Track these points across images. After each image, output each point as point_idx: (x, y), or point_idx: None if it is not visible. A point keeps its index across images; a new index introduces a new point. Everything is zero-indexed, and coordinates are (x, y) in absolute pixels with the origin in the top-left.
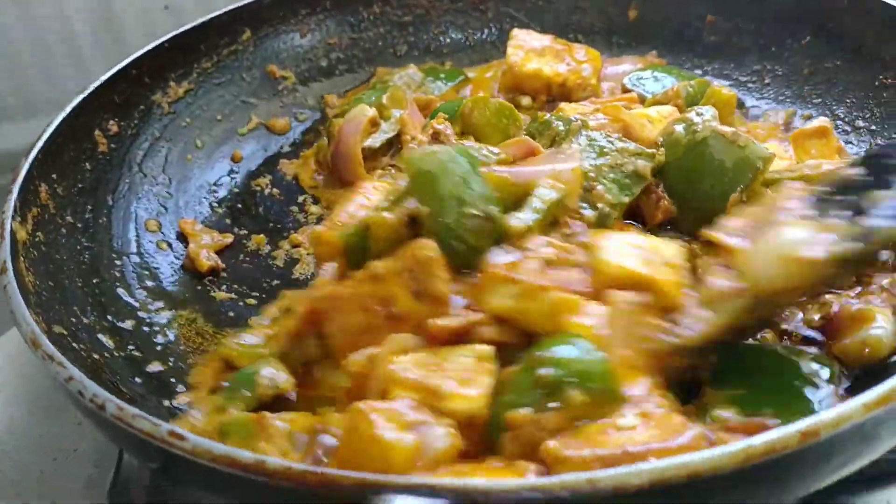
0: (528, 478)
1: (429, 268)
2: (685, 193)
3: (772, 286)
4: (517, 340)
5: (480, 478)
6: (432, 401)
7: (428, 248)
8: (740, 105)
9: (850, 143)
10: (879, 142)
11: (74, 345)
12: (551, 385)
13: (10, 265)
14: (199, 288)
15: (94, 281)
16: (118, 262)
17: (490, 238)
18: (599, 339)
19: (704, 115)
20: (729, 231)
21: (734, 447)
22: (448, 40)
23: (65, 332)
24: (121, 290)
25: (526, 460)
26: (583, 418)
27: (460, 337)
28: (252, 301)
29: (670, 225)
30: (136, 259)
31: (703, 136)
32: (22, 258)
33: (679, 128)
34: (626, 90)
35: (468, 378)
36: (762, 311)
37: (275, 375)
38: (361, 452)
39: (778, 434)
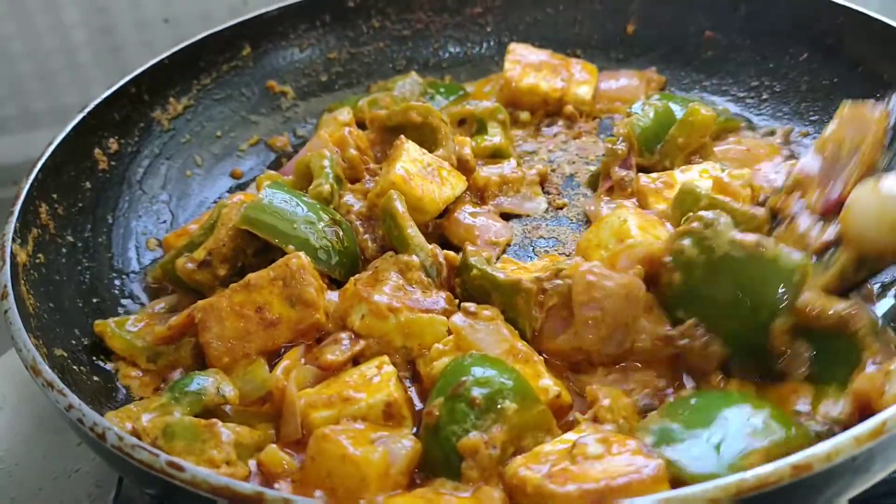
0: None
1: (301, 276)
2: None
3: (875, 246)
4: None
5: None
6: (346, 408)
7: (299, 258)
8: (749, 126)
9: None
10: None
11: (75, 367)
12: (486, 403)
13: (10, 290)
14: None
15: (95, 301)
16: (118, 282)
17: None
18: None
19: (717, 222)
20: None
21: (727, 480)
22: (447, 55)
23: (65, 355)
24: (122, 310)
25: (487, 484)
26: (521, 431)
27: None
28: None
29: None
30: (136, 277)
31: (723, 252)
32: (23, 281)
33: (687, 242)
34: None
35: (370, 379)
36: (869, 266)
37: (223, 386)
38: (333, 473)
39: (771, 468)
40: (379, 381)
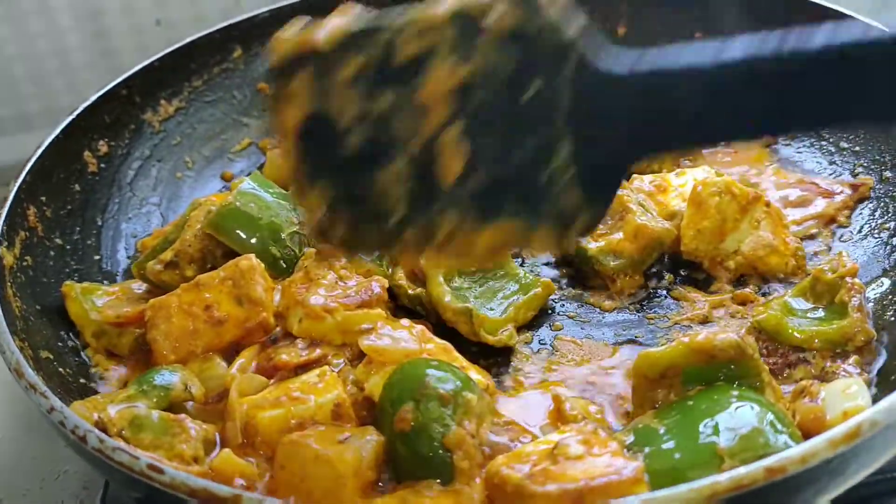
0: None
1: (250, 275)
2: None
3: None
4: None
5: None
6: (296, 407)
7: (248, 259)
8: None
9: (835, 163)
10: (863, 163)
11: (61, 369)
12: (453, 398)
13: None
14: None
15: None
16: (107, 284)
17: None
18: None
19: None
20: None
21: (702, 483)
22: None
23: (51, 357)
24: None
25: (479, 477)
26: (481, 418)
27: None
28: None
29: None
30: (124, 280)
31: None
32: (9, 283)
33: None
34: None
35: (314, 384)
36: None
37: (191, 383)
38: (307, 476)
39: (745, 470)
40: (323, 386)
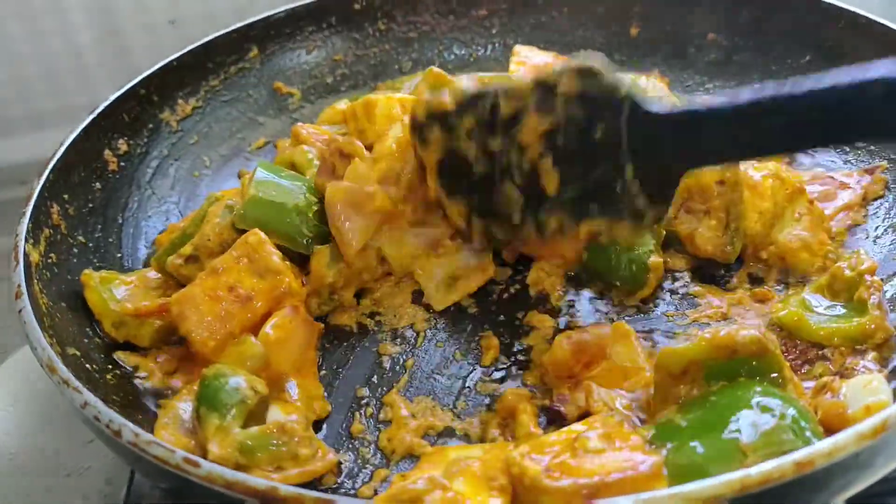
0: None
1: (261, 248)
2: None
3: None
4: None
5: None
6: None
7: (255, 234)
8: None
9: (850, 162)
10: (878, 162)
11: (87, 366)
12: None
13: (24, 289)
14: None
15: None
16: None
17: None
18: None
19: None
20: None
21: (732, 476)
22: (452, 56)
23: (78, 353)
24: None
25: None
26: None
27: None
28: None
29: None
30: None
31: None
32: (36, 281)
33: None
34: None
35: None
36: None
37: (253, 383)
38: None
39: (773, 465)
40: None
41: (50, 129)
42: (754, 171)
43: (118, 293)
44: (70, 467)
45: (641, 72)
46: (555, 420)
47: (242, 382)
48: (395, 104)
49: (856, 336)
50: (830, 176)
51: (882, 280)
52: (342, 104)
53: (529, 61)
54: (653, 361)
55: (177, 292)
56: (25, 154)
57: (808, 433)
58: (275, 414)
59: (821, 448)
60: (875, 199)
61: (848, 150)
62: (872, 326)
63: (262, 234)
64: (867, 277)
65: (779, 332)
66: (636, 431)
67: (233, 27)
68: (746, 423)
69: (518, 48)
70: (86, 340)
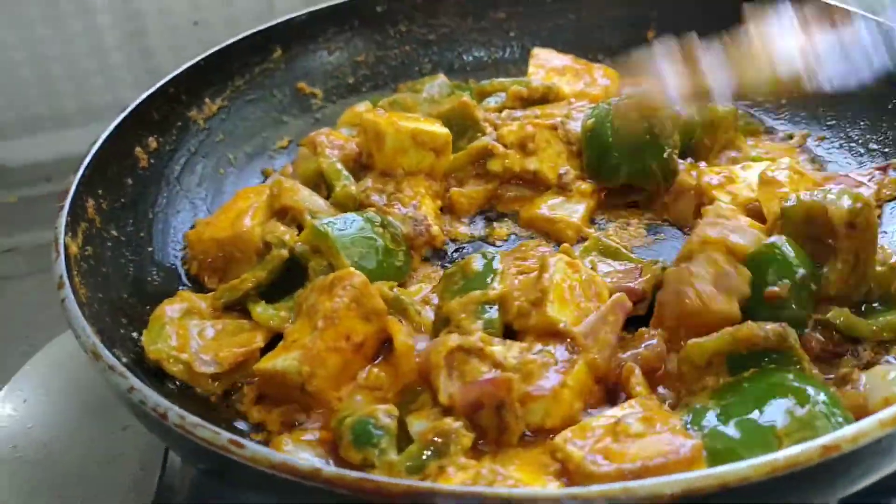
0: (572, 488)
1: (366, 289)
2: None
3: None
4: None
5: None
6: None
7: (358, 275)
8: (767, 129)
9: (864, 164)
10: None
11: (124, 358)
12: None
13: (66, 279)
14: None
15: (139, 293)
16: (158, 275)
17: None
18: None
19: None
20: None
21: (762, 460)
22: (471, 59)
23: (115, 344)
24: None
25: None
26: None
27: None
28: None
29: None
30: (175, 271)
31: None
32: (75, 272)
33: None
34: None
35: None
36: None
37: (386, 416)
38: None
39: (800, 448)
40: None
41: (74, 127)
42: (771, 170)
43: (192, 339)
44: (103, 455)
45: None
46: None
47: (382, 419)
48: (405, 138)
49: None
50: (845, 175)
51: None
52: (362, 106)
53: (548, 64)
54: None
55: (295, 353)
56: (50, 152)
57: (840, 418)
58: (417, 426)
59: (846, 433)
60: (889, 201)
61: (863, 152)
62: None
63: (360, 273)
64: None
65: (821, 330)
66: (673, 414)
67: (257, 29)
68: (780, 409)
69: (536, 51)
70: (122, 331)
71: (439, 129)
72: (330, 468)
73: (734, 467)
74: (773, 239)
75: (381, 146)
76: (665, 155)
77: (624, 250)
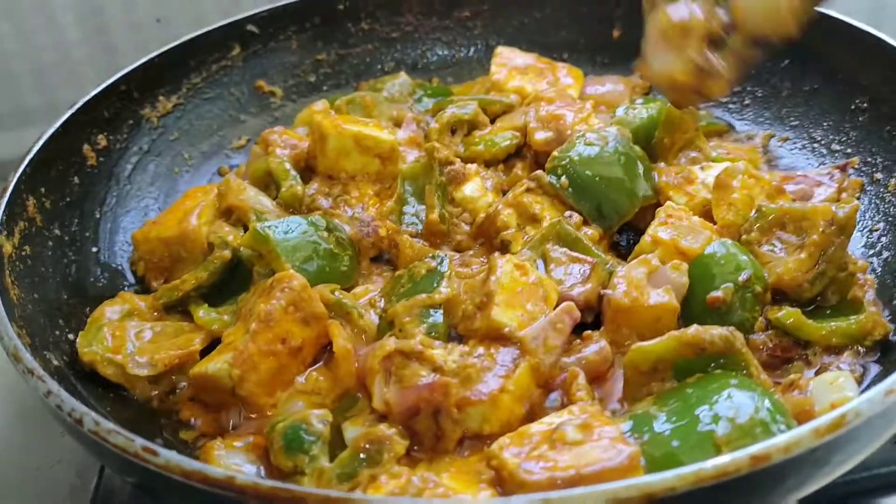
0: (493, 498)
1: (306, 293)
2: None
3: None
4: None
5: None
6: None
7: (297, 278)
8: (730, 127)
9: (824, 165)
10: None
11: (56, 362)
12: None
13: None
14: None
15: (80, 294)
16: (104, 276)
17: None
18: None
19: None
20: None
21: (687, 470)
22: (434, 57)
23: (48, 346)
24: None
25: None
26: None
27: None
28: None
29: None
30: (122, 272)
31: None
32: (7, 272)
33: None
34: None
35: None
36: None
37: (317, 421)
38: None
39: (729, 458)
40: None
41: (35, 125)
42: (726, 174)
43: (129, 341)
44: (41, 461)
45: (622, 74)
46: None
47: (315, 425)
48: (347, 141)
49: (855, 334)
50: (803, 174)
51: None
52: (320, 105)
53: (511, 63)
54: None
55: (227, 355)
56: (10, 150)
57: (783, 426)
58: (351, 432)
59: (777, 442)
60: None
61: (825, 152)
62: (871, 324)
63: (301, 277)
64: (860, 276)
65: (769, 333)
66: (612, 421)
67: (214, 25)
68: (722, 416)
69: (500, 49)
70: (57, 332)
71: (384, 136)
72: (244, 477)
73: (659, 477)
74: (715, 244)
75: (324, 148)
76: (652, 175)
77: (584, 240)
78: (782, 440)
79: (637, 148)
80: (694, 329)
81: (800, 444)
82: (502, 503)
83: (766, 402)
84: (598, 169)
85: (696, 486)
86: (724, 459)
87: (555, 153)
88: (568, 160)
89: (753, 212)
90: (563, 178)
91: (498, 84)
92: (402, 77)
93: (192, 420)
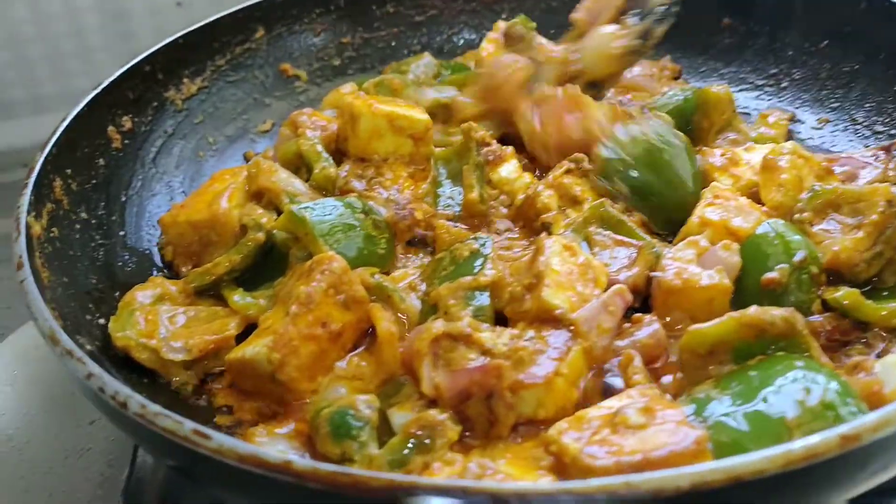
0: (568, 482)
1: (346, 276)
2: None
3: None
4: None
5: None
6: None
7: (337, 259)
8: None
9: (869, 146)
10: None
11: (88, 346)
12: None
13: (26, 260)
14: None
15: (109, 279)
16: (131, 260)
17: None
18: None
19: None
20: None
21: (775, 451)
22: (461, 41)
23: (80, 331)
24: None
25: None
26: None
27: None
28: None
29: None
30: (149, 256)
31: None
32: (38, 253)
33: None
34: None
35: None
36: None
37: (366, 406)
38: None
39: (818, 438)
40: None
41: (52, 112)
42: (773, 154)
43: (162, 325)
44: (70, 449)
45: (653, 59)
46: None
47: (363, 410)
48: (381, 121)
49: None
50: (848, 155)
51: None
52: (347, 88)
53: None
54: None
55: (266, 339)
56: (28, 137)
57: (853, 408)
58: (399, 418)
59: (867, 422)
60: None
61: (868, 134)
62: None
63: (341, 260)
64: None
65: (826, 315)
66: (674, 404)
67: (238, 7)
68: (790, 399)
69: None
70: (88, 317)
71: (418, 115)
72: (303, 461)
73: (747, 459)
74: (766, 224)
75: (356, 129)
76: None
77: (628, 222)
78: (871, 420)
79: (682, 135)
80: (754, 310)
81: (890, 424)
82: (580, 486)
83: (835, 384)
84: (656, 170)
85: (784, 469)
86: (813, 440)
87: (602, 154)
88: (622, 163)
89: (806, 192)
90: (620, 183)
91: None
92: (427, 58)
93: (227, 407)
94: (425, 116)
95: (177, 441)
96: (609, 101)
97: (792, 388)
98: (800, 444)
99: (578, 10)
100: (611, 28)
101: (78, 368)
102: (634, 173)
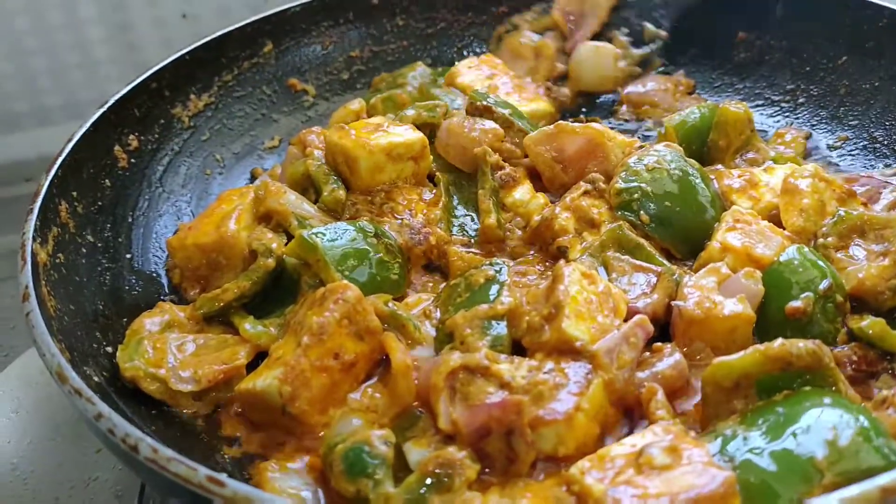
0: None
1: (360, 305)
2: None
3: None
4: None
5: None
6: None
7: (351, 288)
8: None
9: (890, 166)
10: None
11: (96, 378)
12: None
13: (32, 291)
14: None
15: (116, 304)
16: (139, 283)
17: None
18: None
19: None
20: None
21: (815, 501)
22: (471, 55)
23: (87, 361)
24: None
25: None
26: None
27: None
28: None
29: None
30: (156, 279)
31: None
32: (44, 282)
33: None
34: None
35: None
36: None
37: (380, 442)
38: None
39: (859, 489)
40: None
41: (56, 125)
42: (794, 176)
43: (170, 354)
44: (76, 479)
45: (667, 73)
46: None
47: (377, 445)
48: (379, 157)
49: None
50: (868, 175)
51: None
52: (356, 104)
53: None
54: None
55: (278, 370)
56: (31, 150)
57: (885, 449)
58: (416, 454)
59: None
60: None
61: (888, 153)
62: None
63: (355, 287)
64: None
65: (852, 345)
66: (700, 443)
67: (245, 21)
68: (819, 437)
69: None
70: (94, 345)
71: (412, 136)
72: None
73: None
74: (789, 250)
75: (356, 169)
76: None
77: (647, 246)
78: None
79: (693, 161)
80: (780, 342)
81: None
82: None
83: (864, 421)
84: (675, 197)
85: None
86: (850, 492)
87: (618, 185)
88: (640, 193)
89: (830, 217)
90: (642, 213)
91: (451, 75)
92: (420, 67)
93: (236, 437)
94: (418, 134)
95: (191, 488)
96: (621, 116)
97: (820, 427)
98: (836, 496)
99: (554, 8)
100: (609, 47)
101: (88, 409)
102: (653, 203)
